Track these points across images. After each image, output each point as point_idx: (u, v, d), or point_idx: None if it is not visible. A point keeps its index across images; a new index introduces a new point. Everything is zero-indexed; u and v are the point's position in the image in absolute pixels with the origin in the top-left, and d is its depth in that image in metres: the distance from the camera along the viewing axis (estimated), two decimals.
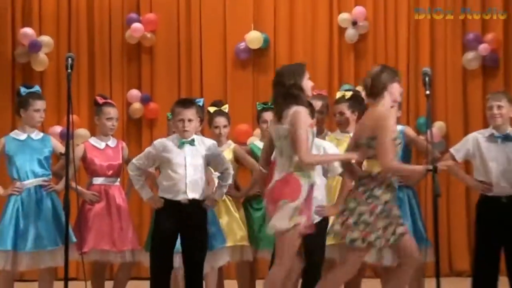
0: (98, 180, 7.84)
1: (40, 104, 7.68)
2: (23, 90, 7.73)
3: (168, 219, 7.16)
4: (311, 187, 6.36)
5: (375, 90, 6.49)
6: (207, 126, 8.17)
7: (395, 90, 6.51)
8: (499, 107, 7.24)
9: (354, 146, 6.58)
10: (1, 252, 7.44)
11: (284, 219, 6.29)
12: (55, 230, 7.44)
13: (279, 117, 6.49)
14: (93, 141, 7.97)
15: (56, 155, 7.75)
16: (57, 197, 7.55)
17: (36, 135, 7.71)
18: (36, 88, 7.88)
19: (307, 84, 6.61)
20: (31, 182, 7.57)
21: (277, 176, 6.42)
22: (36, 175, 7.58)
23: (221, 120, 8.07)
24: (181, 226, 7.16)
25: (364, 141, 6.41)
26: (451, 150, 7.39)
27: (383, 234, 6.27)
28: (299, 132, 6.30)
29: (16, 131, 7.77)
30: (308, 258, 6.95)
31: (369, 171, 6.39)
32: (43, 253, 7.44)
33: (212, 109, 8.14)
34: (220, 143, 8.02)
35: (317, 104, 7.67)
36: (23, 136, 7.66)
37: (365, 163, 6.51)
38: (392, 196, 6.38)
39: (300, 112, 6.36)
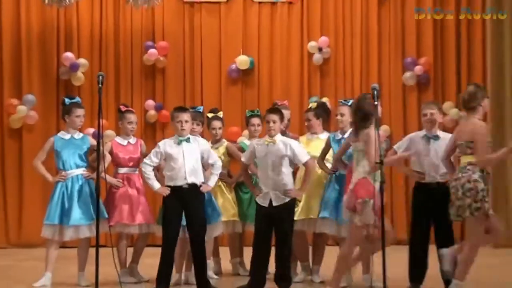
0: (122, 170, 7.86)
1: (80, 111, 7.72)
2: (67, 100, 7.75)
3: (173, 202, 7.14)
4: (379, 186, 6.40)
5: (472, 105, 6.60)
6: (206, 128, 8.21)
7: (486, 104, 6.66)
8: (431, 113, 7.27)
9: (453, 145, 6.70)
10: (50, 226, 7.49)
11: (367, 217, 6.45)
12: (91, 208, 7.44)
13: (356, 134, 6.67)
14: (118, 139, 7.99)
15: (91, 150, 7.75)
16: (93, 183, 7.53)
17: (78, 135, 7.74)
18: (77, 99, 7.93)
19: (379, 109, 6.69)
20: (73, 171, 7.58)
21: (355, 179, 6.58)
22: (77, 166, 7.60)
23: (217, 124, 8.09)
24: (184, 206, 7.15)
25: (464, 143, 6.53)
26: (394, 147, 7.34)
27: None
28: (369, 149, 6.42)
29: (62, 131, 7.80)
30: (280, 229, 7.04)
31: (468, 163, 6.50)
32: (82, 226, 7.48)
33: (210, 115, 8.16)
34: (216, 141, 8.09)
35: (286, 113, 7.74)
36: (67, 136, 7.68)
37: (463, 158, 6.56)
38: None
39: (371, 135, 6.46)
